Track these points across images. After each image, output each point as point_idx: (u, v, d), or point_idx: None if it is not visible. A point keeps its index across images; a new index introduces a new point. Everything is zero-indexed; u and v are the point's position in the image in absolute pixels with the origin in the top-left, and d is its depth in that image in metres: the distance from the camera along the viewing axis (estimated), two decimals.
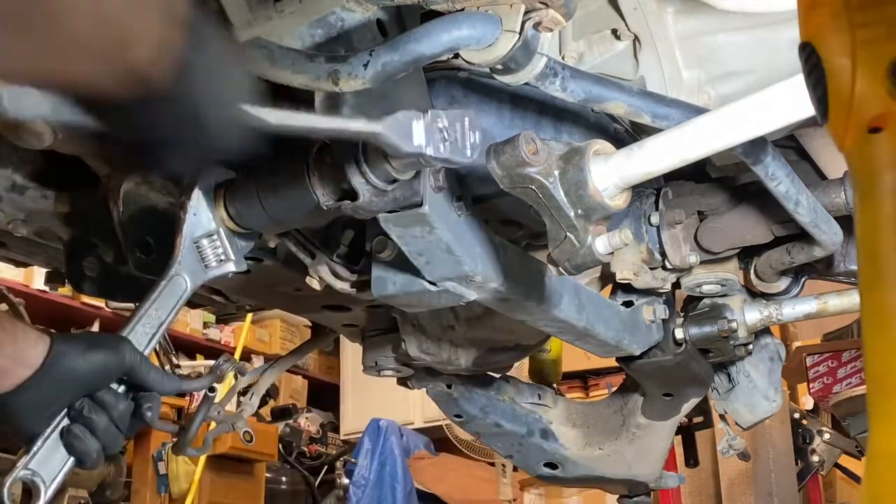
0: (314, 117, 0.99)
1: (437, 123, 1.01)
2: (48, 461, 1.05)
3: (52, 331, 1.13)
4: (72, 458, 1.06)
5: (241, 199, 1.19)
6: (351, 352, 5.88)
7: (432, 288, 1.25)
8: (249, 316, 5.41)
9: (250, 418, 2.08)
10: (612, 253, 1.15)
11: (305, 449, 5.71)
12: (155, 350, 1.26)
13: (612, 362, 1.74)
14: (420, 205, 1.11)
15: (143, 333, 1.13)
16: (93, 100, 0.84)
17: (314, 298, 1.54)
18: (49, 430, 1.05)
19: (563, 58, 1.37)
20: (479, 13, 1.05)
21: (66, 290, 4.49)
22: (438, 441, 5.63)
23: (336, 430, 6.18)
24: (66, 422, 1.06)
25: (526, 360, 2.18)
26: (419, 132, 1.00)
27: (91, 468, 1.12)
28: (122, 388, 1.09)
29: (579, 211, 1.11)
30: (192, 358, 5.33)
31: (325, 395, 6.29)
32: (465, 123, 1.04)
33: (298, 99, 1.16)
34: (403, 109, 1.11)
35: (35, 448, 1.04)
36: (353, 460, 5.23)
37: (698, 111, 1.23)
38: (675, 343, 1.63)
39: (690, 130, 1.16)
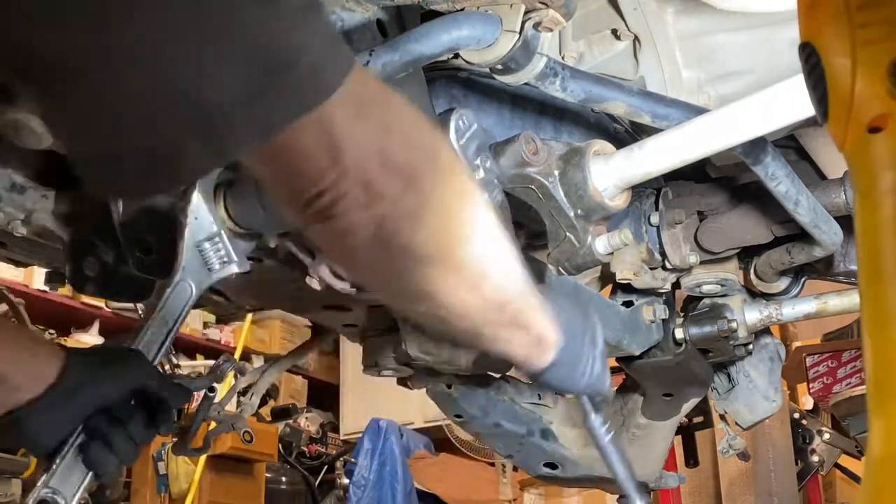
0: None
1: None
2: (68, 478, 1.05)
3: (67, 346, 1.13)
4: (90, 473, 1.06)
5: (242, 200, 1.19)
6: (351, 352, 5.88)
7: None
8: (249, 316, 5.41)
9: (250, 418, 2.08)
10: (612, 253, 1.15)
11: (305, 449, 5.71)
12: None
13: (612, 362, 1.74)
14: None
15: (153, 343, 1.14)
16: None
17: (314, 298, 1.54)
18: (67, 448, 1.05)
19: (563, 58, 1.37)
20: (479, 13, 1.05)
21: (66, 290, 4.49)
22: (438, 441, 5.63)
23: (336, 430, 6.18)
24: (82, 437, 1.06)
25: None
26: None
27: (108, 481, 1.13)
28: (133, 401, 1.10)
29: (579, 211, 1.12)
30: (192, 358, 5.32)
31: (325, 395, 6.29)
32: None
33: None
34: None
35: (54, 466, 1.05)
36: (353, 460, 5.22)
37: (698, 111, 1.23)
38: (675, 343, 1.63)
39: (690, 130, 1.16)
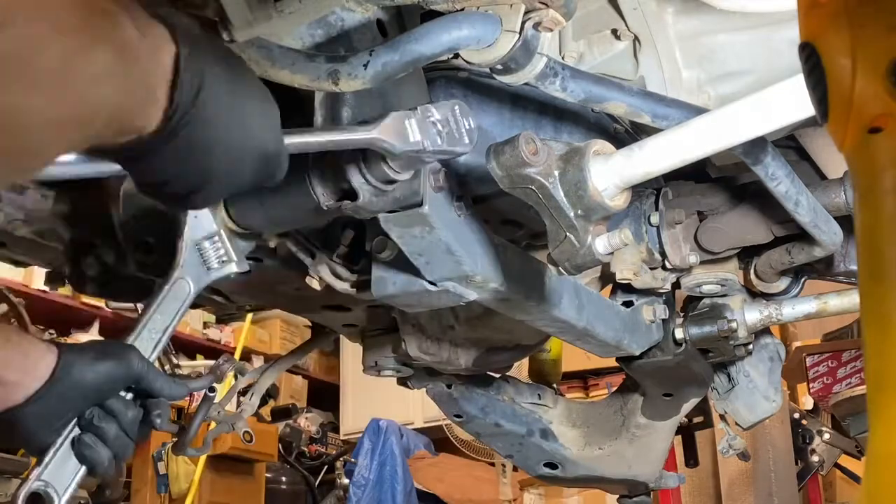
0: (310, 136, 0.98)
1: (429, 118, 1.02)
2: (61, 471, 1.05)
3: (60, 342, 1.13)
4: (84, 467, 1.06)
5: (242, 200, 1.19)
6: (351, 352, 5.88)
7: (432, 288, 1.25)
8: (249, 316, 5.41)
9: (250, 418, 2.08)
10: (612, 253, 1.15)
11: (305, 449, 5.71)
12: None
13: (612, 362, 1.74)
14: (420, 205, 1.11)
15: (149, 339, 1.13)
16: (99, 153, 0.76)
17: (314, 298, 1.54)
18: (60, 441, 1.05)
19: (563, 58, 1.37)
20: (479, 13, 1.05)
21: (66, 290, 4.48)
22: (438, 441, 5.63)
23: (336, 430, 6.18)
24: (76, 431, 1.06)
25: (526, 360, 2.18)
26: (413, 129, 1.01)
27: (103, 476, 1.12)
28: (130, 396, 1.10)
29: (579, 211, 1.11)
30: (192, 358, 5.33)
31: (325, 395, 6.29)
32: (456, 112, 1.05)
33: (299, 99, 1.16)
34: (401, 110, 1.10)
35: (47, 459, 1.05)
36: (353, 460, 5.23)
37: (698, 111, 1.23)
38: (675, 343, 1.63)
39: (690, 130, 1.16)
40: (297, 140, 0.95)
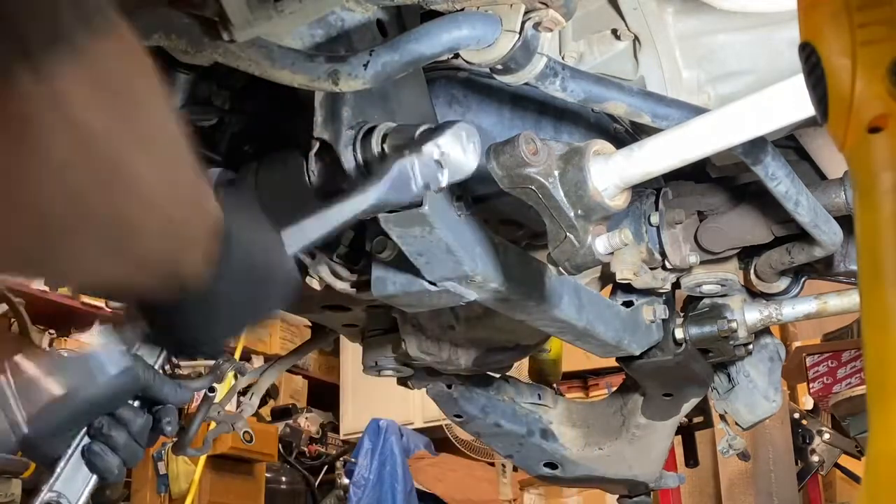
0: (322, 220, 1.01)
1: (433, 156, 1.04)
2: (72, 481, 1.06)
3: (65, 354, 1.13)
4: (95, 476, 1.07)
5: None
6: (351, 352, 5.88)
7: (432, 288, 1.25)
8: None
9: (250, 418, 2.09)
10: (612, 253, 1.15)
11: (305, 449, 5.72)
12: None
13: (612, 362, 1.74)
14: (420, 205, 1.11)
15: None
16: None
17: (314, 298, 1.54)
18: (71, 451, 1.05)
19: (563, 58, 1.37)
20: (478, 13, 1.05)
21: (66, 289, 4.49)
22: (438, 441, 5.63)
23: (336, 430, 6.18)
24: (86, 440, 1.06)
25: (526, 360, 2.18)
26: (417, 177, 1.04)
27: (113, 483, 1.13)
28: (137, 403, 1.10)
29: (579, 211, 1.12)
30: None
31: (325, 395, 6.29)
32: (463, 138, 1.05)
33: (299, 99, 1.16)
34: (403, 111, 1.11)
35: (58, 470, 1.05)
36: (353, 460, 5.23)
37: (698, 111, 1.23)
38: (675, 343, 1.63)
39: (690, 130, 1.16)
40: (314, 234, 1.00)
